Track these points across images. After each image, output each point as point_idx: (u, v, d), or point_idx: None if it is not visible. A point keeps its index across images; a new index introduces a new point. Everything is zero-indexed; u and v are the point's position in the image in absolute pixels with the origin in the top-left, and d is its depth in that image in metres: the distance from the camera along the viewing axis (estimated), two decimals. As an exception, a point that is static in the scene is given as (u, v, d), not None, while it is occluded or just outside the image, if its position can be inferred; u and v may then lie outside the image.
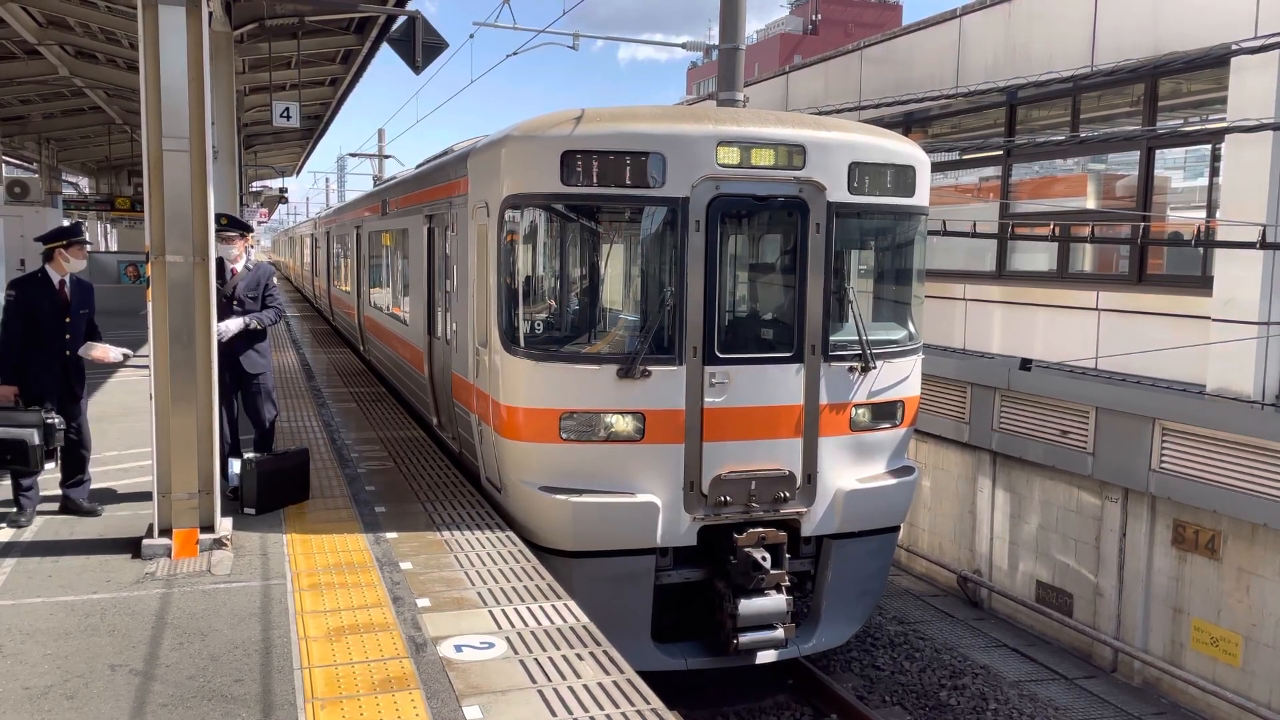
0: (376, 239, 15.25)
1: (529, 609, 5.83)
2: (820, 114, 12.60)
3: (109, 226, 46.59)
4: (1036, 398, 10.91)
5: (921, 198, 8.16)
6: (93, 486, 7.75)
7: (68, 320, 7.33)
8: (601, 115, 7.41)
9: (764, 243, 8.41)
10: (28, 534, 7.10)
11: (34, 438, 6.68)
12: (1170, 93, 10.77)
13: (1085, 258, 11.84)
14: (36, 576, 6.24)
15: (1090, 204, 11.96)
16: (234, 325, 7.90)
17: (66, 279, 7.40)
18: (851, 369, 7.82)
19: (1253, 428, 8.67)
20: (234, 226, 8.07)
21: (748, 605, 7.50)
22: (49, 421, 6.84)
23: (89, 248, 8.00)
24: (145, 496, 6.88)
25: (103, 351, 7.50)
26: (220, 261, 7.87)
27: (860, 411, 7.93)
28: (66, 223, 7.44)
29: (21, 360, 7.18)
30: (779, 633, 7.67)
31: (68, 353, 7.33)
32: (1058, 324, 11.34)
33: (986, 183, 13.42)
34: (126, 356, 7.69)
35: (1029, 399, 11.02)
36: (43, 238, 7.46)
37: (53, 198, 29.96)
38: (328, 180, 77.78)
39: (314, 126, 28.41)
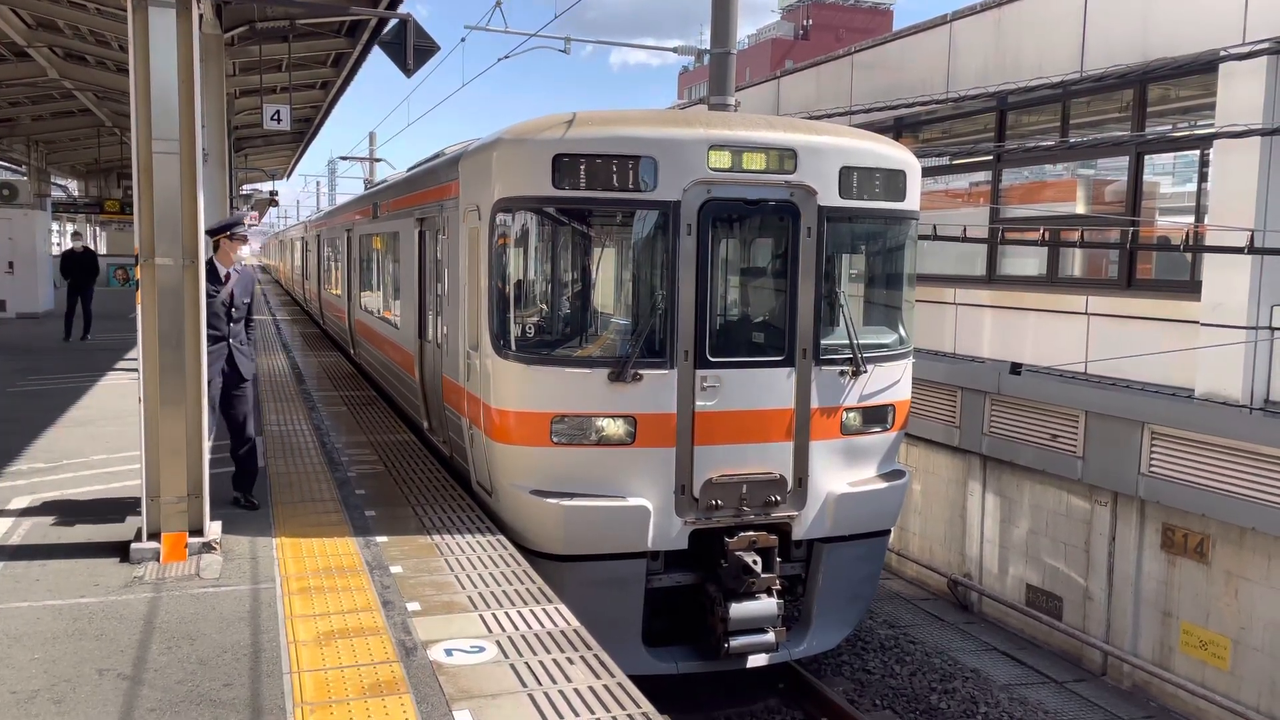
0: (367, 242, 15.21)
1: (519, 613, 5.81)
2: (811, 119, 12.63)
3: (98, 229, 46.51)
4: (1027, 402, 10.94)
5: (912, 202, 8.18)
6: (85, 490, 7.66)
7: None
8: (593, 119, 7.40)
9: (755, 247, 8.42)
10: (15, 537, 7.05)
11: None
12: (1159, 98, 10.82)
13: (1075, 263, 11.89)
14: (24, 580, 6.19)
15: (1080, 209, 12.02)
16: None
17: None
18: (842, 373, 7.83)
19: (1241, 432, 8.71)
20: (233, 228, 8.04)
21: (739, 609, 7.50)
22: None
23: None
24: (134, 500, 6.84)
25: None
26: (212, 265, 7.79)
27: (851, 415, 7.94)
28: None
29: None
30: (770, 637, 7.66)
31: None
32: (1048, 328, 11.38)
33: (977, 188, 13.47)
34: None
35: (1019, 403, 11.05)
36: None
37: (42, 200, 29.87)
38: (318, 183, 77.84)
39: (305, 129, 28.39)
